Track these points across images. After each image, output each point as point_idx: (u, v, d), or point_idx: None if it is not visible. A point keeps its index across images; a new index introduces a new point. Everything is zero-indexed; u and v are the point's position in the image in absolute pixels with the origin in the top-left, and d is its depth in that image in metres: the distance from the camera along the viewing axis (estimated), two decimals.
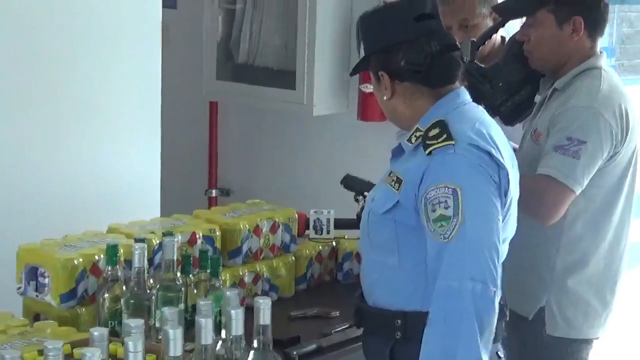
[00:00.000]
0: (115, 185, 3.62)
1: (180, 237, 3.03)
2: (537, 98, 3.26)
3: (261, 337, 2.31)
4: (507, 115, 3.26)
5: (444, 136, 2.50)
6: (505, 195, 2.52)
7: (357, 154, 5.11)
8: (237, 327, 2.25)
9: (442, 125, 2.53)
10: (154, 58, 3.71)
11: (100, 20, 3.59)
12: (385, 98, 2.67)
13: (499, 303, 2.50)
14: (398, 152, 2.69)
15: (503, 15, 3.36)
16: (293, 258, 3.43)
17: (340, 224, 3.63)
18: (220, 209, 3.44)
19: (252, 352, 2.31)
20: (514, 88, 3.24)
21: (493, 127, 2.62)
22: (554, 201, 2.99)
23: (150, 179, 3.71)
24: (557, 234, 3.09)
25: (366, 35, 2.69)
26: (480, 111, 2.67)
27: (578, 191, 3.00)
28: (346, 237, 3.66)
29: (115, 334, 2.72)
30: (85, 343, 2.52)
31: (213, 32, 5.27)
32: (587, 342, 3.15)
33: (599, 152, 3.01)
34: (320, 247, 3.55)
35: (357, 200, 3.46)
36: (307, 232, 3.60)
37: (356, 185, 3.49)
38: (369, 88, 4.86)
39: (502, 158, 2.53)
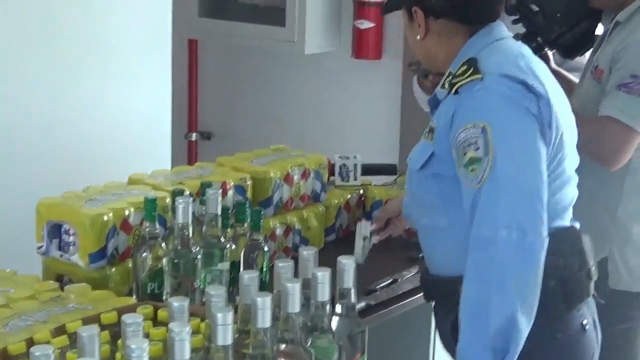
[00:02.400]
0: (125, 133, 3.33)
1: None
2: (600, 30, 3.03)
3: (345, 302, 2.08)
4: (567, 48, 3.02)
5: (471, 71, 2.27)
6: (550, 127, 2.25)
7: (351, 94, 4.87)
8: (324, 291, 2.00)
9: (471, 62, 2.30)
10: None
11: None
12: (418, 37, 2.43)
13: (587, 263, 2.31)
14: (434, 103, 2.44)
15: None
16: (323, 208, 3.18)
17: (366, 169, 3.39)
18: (244, 155, 3.16)
19: (336, 318, 2.07)
20: (574, 18, 2.99)
21: (534, 61, 2.37)
22: (618, 144, 2.77)
23: (160, 125, 3.43)
24: (620, 179, 2.88)
25: None
26: (518, 46, 2.42)
27: None
28: (373, 183, 3.42)
29: (155, 297, 2.48)
30: (132, 309, 2.26)
31: None
32: None
33: None
34: (348, 196, 3.30)
35: None
36: (331, 178, 3.34)
37: None
38: (364, 24, 4.63)
39: (545, 89, 2.27)
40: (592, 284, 2.37)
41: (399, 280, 2.91)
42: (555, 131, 2.28)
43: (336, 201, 3.25)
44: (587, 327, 2.37)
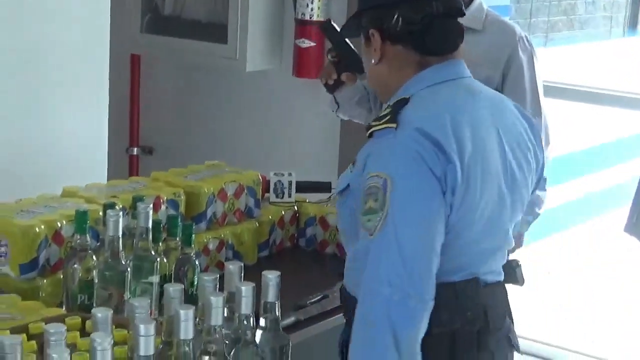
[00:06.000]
0: (61, 147, 3.35)
1: None
2: None
3: (269, 316, 2.11)
4: None
5: (388, 117, 2.23)
6: (453, 193, 2.18)
7: (291, 112, 4.92)
8: (247, 304, 2.03)
9: (396, 105, 2.25)
10: (103, 9, 3.43)
11: None
12: (372, 62, 2.38)
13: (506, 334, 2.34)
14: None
15: None
16: (257, 224, 3.22)
17: (301, 186, 3.44)
18: (178, 170, 3.19)
19: (259, 332, 2.10)
20: None
21: (467, 118, 2.26)
22: None
23: (97, 139, 3.46)
24: None
25: None
26: (460, 94, 2.33)
27: None
28: (307, 200, 3.47)
29: (85, 309, 2.50)
30: (60, 319, 2.28)
31: None
32: None
33: None
34: (282, 212, 3.34)
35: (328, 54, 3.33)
36: (266, 195, 3.39)
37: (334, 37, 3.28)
38: (305, 43, 4.67)
39: (461, 154, 2.20)
40: (491, 338, 2.35)
41: (330, 296, 2.95)
42: (462, 197, 2.21)
43: (270, 217, 3.29)
44: None
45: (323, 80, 3.35)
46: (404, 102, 2.26)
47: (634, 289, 6.23)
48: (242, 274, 2.15)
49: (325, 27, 3.33)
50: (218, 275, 2.09)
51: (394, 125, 2.20)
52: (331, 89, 3.34)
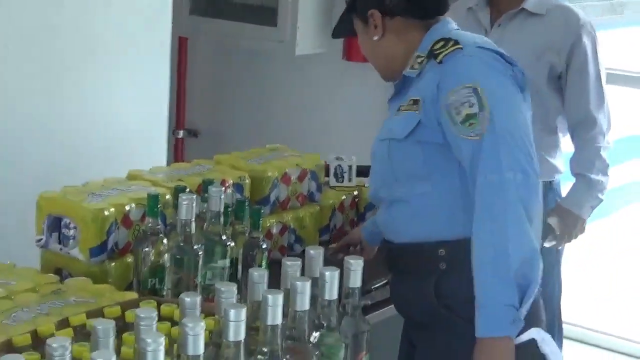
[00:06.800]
0: (123, 129, 3.34)
1: None
2: None
3: (351, 301, 2.10)
4: None
5: (451, 43, 2.45)
6: (523, 91, 2.45)
7: (341, 96, 4.89)
8: (332, 290, 2.01)
9: (446, 38, 2.47)
10: None
11: None
12: (375, 38, 2.55)
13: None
14: (402, 86, 2.57)
15: None
16: (319, 208, 3.20)
17: (360, 171, 3.41)
18: (241, 154, 3.17)
19: (342, 317, 2.08)
20: None
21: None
22: None
23: (157, 123, 3.45)
24: None
25: None
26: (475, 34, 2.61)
27: None
28: (366, 185, 3.43)
29: (155, 293, 2.49)
30: (135, 304, 2.27)
31: None
32: None
33: None
34: (343, 196, 3.31)
35: None
36: (325, 179, 3.36)
37: None
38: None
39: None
40: None
41: None
42: (526, 95, 2.48)
43: (331, 202, 3.27)
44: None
45: None
46: (445, 37, 2.47)
47: None
48: (323, 259, 2.13)
49: None
50: (301, 261, 2.07)
51: (460, 46, 2.43)
52: None
